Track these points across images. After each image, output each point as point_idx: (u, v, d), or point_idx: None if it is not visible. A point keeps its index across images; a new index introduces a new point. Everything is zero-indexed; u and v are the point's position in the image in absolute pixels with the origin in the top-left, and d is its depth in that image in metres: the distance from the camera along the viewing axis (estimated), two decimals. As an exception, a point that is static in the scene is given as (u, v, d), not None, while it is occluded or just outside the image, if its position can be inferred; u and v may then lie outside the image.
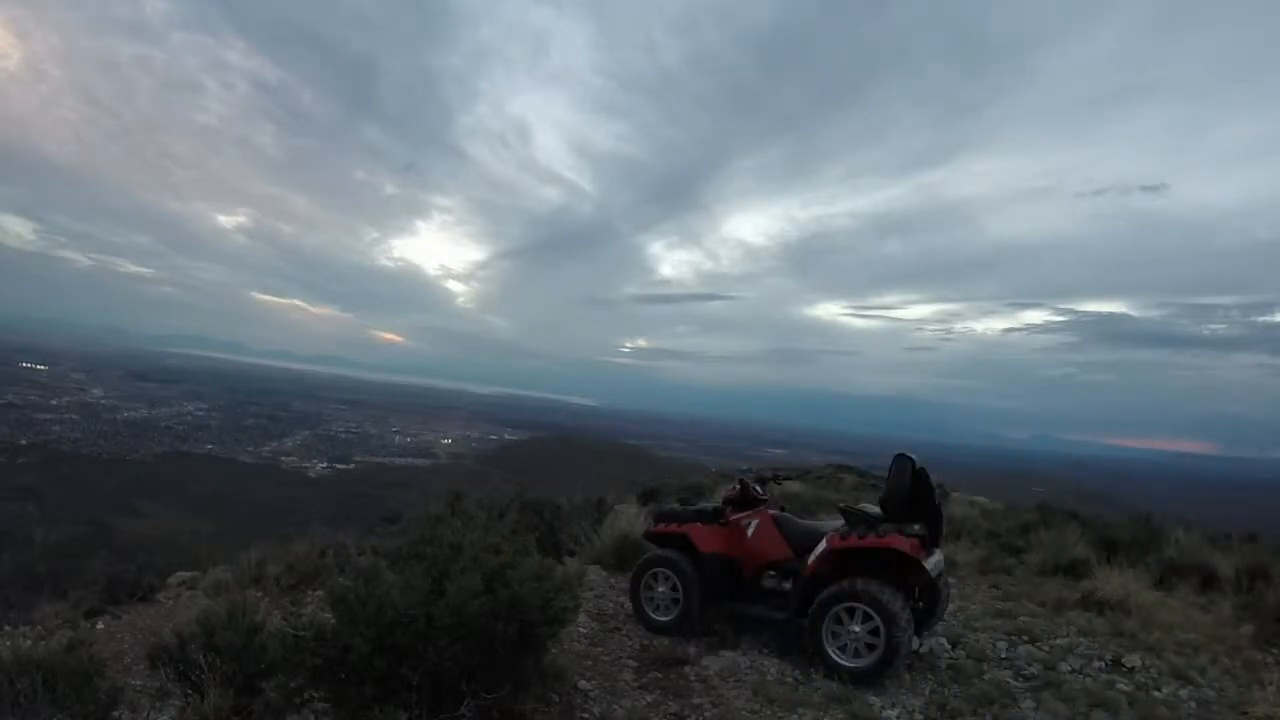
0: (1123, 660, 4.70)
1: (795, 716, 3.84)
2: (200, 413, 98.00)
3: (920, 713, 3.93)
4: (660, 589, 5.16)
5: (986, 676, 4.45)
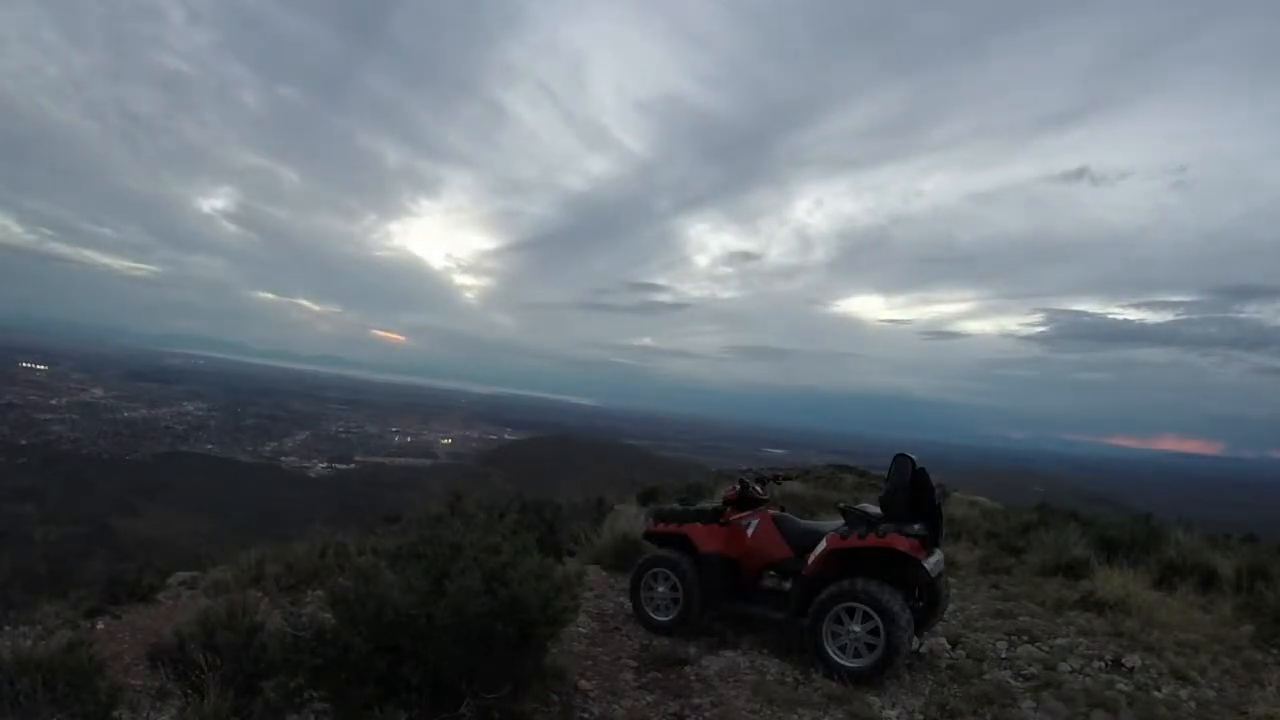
0: (1123, 660, 4.70)
1: (795, 716, 3.84)
2: (200, 413, 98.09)
3: (920, 713, 3.93)
4: (660, 589, 5.16)
5: (986, 676, 4.45)
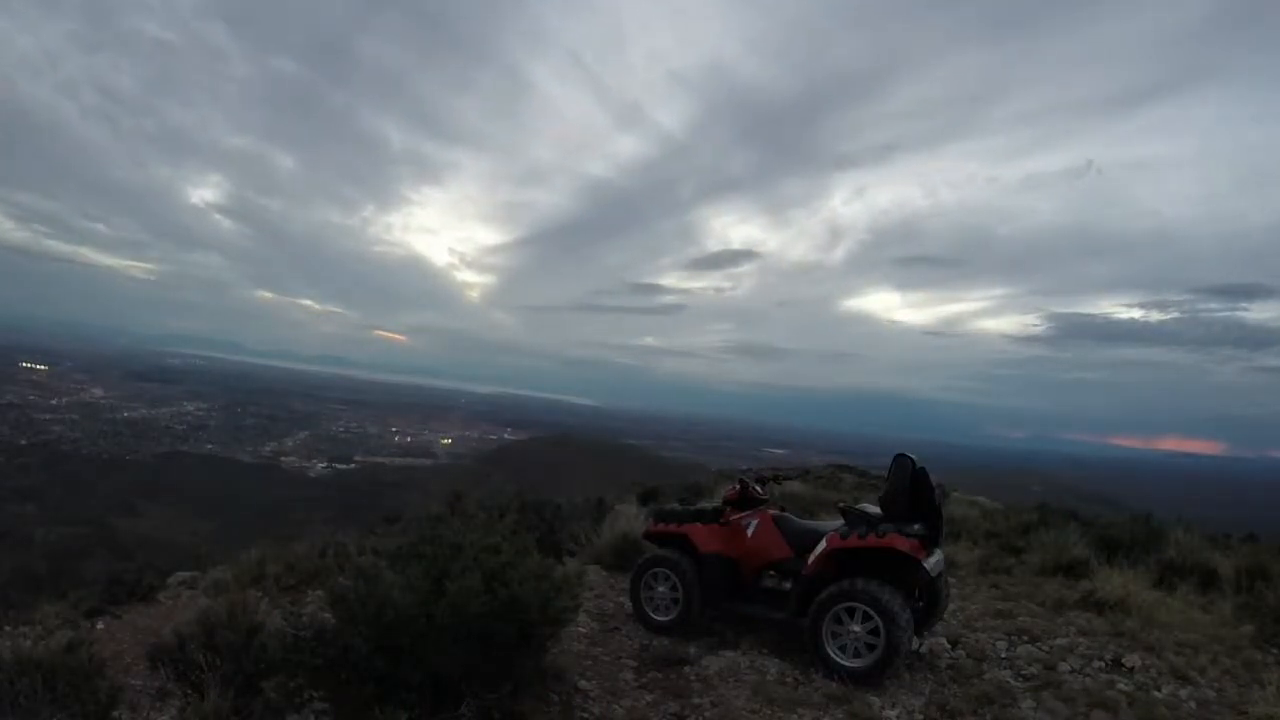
0: (1123, 660, 4.70)
1: (795, 716, 3.84)
2: (200, 413, 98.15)
3: (920, 713, 3.93)
4: (660, 589, 5.16)
5: (986, 676, 4.45)
